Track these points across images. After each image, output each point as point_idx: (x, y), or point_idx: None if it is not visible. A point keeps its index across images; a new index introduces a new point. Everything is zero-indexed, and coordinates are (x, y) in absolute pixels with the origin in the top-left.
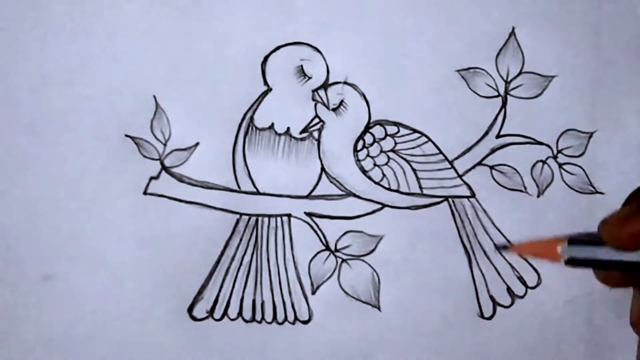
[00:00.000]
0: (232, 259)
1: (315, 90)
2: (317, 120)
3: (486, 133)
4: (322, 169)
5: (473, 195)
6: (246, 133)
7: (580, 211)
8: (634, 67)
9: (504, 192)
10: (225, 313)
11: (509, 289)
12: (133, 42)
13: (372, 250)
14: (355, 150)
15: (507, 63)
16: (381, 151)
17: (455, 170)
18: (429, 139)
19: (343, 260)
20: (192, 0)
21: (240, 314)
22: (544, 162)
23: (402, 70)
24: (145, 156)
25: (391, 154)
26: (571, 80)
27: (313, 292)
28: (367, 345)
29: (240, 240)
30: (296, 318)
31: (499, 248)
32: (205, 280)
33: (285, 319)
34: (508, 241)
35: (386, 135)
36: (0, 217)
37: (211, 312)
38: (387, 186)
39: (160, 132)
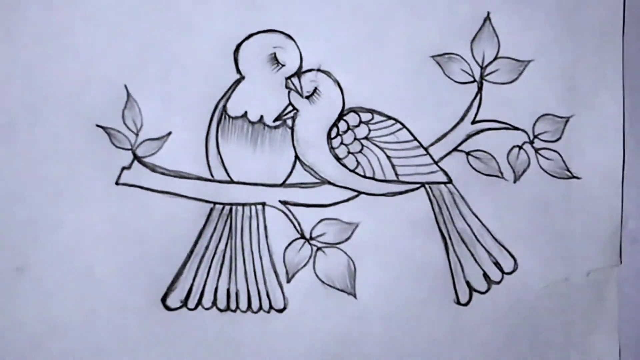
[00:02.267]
0: (206, 248)
1: (288, 78)
2: (290, 108)
3: (462, 119)
4: (296, 157)
5: (450, 181)
6: (219, 122)
7: (557, 196)
8: (609, 51)
9: (481, 177)
10: (199, 302)
11: (485, 275)
12: (103, 32)
13: (348, 238)
14: (329, 138)
15: (482, 48)
16: (355, 139)
17: (431, 157)
18: (404, 126)
19: (318, 249)
20: None
21: (214, 303)
22: (520, 147)
23: (376, 56)
24: (117, 146)
25: (365, 142)
26: (547, 65)
27: (288, 281)
28: (343, 332)
29: (214, 229)
30: (271, 307)
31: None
32: (179, 270)
33: (260, 308)
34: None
35: (360, 122)
36: None
37: (185, 301)
38: (362, 174)
39: (132, 122)
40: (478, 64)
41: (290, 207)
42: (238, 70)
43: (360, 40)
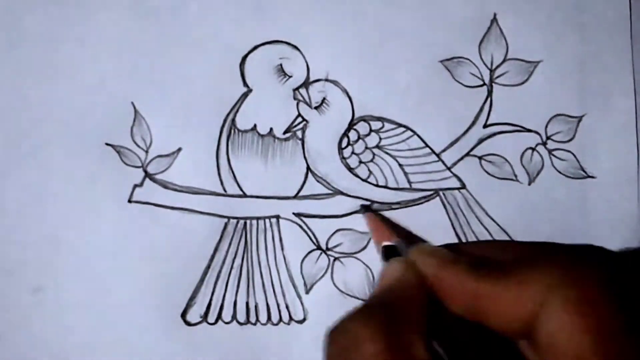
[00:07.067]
0: (223, 262)
1: (296, 89)
2: (300, 119)
3: (473, 123)
4: (308, 168)
5: (463, 186)
6: (229, 136)
7: (573, 196)
8: (619, 47)
9: (495, 181)
10: (219, 317)
11: None
12: (108, 48)
13: (364, 247)
14: (340, 148)
15: (490, 51)
16: (366, 148)
17: (444, 163)
18: (415, 133)
19: (335, 259)
20: (167, 5)
21: (234, 317)
22: (533, 149)
23: (383, 63)
24: (127, 164)
25: (376, 150)
26: (557, 64)
27: (307, 292)
28: None
29: (230, 243)
30: (291, 318)
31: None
32: (197, 285)
33: (280, 320)
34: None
35: (370, 131)
36: None
37: (205, 316)
38: (374, 183)
39: (141, 139)
40: (487, 67)
41: (305, 219)
42: (245, 83)
43: (367, 47)
